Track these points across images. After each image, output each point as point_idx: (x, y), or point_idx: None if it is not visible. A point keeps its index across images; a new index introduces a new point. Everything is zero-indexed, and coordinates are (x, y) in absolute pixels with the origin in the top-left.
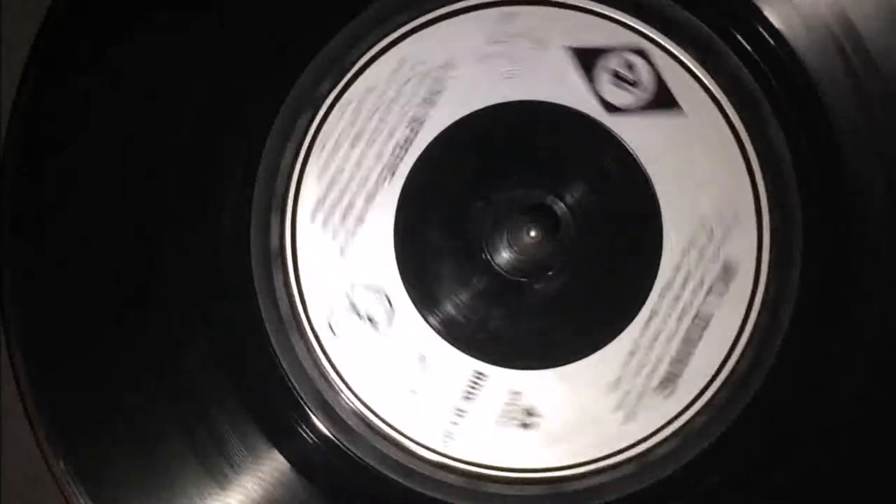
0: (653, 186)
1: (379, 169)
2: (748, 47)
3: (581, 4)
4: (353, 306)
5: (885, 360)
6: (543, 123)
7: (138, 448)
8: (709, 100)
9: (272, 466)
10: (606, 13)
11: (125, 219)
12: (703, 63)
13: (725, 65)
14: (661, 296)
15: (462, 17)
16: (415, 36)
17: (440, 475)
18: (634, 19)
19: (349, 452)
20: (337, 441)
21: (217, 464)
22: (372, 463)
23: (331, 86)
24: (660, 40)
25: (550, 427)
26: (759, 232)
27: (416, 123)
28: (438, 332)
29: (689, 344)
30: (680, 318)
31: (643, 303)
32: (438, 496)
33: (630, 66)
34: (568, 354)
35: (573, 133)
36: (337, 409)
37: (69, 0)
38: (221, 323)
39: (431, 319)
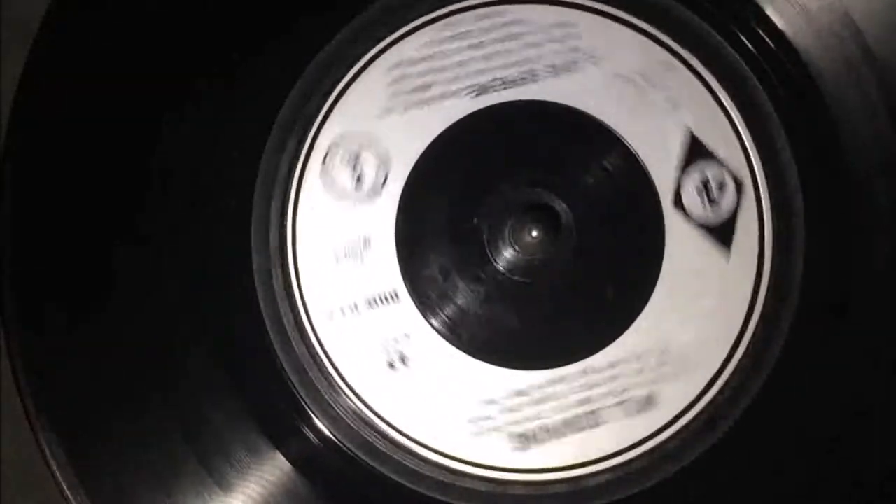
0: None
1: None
2: (750, 46)
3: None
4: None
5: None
6: (545, 123)
7: (139, 449)
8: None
9: (273, 467)
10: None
11: (125, 219)
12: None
13: (726, 63)
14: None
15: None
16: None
17: (443, 476)
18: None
19: (350, 453)
20: (338, 442)
21: (218, 465)
22: (373, 464)
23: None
24: (762, 183)
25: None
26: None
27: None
28: (440, 333)
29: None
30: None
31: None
32: (440, 496)
33: (721, 187)
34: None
35: (574, 133)
36: (338, 410)
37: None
38: (222, 323)
39: (433, 320)
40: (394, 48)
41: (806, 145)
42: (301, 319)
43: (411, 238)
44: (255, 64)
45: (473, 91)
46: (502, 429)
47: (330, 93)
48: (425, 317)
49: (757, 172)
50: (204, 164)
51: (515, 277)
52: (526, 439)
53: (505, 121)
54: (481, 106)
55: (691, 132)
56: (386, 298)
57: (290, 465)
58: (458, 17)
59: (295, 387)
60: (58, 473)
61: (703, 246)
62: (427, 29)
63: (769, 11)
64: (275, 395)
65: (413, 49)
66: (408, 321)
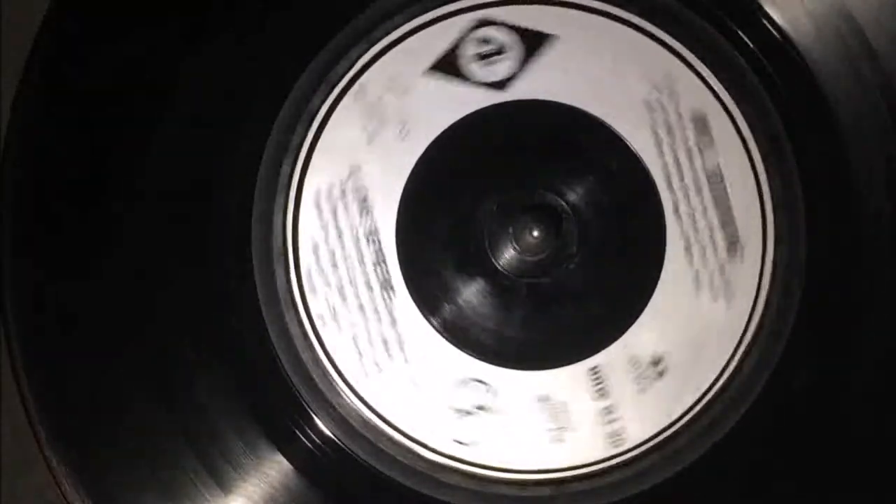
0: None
1: (378, 290)
2: (750, 44)
3: (409, 27)
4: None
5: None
6: (545, 123)
7: (140, 450)
8: (576, 12)
9: (274, 468)
10: (432, 17)
11: (124, 218)
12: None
13: (727, 62)
14: (669, 185)
15: (328, 127)
16: (308, 174)
17: (444, 476)
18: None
19: (352, 454)
20: (339, 442)
21: (219, 466)
22: (375, 464)
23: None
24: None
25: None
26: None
27: (373, 234)
28: (441, 333)
29: (722, 204)
30: (698, 190)
31: (661, 207)
32: (441, 497)
33: (486, 41)
34: (632, 309)
35: (575, 132)
36: (339, 411)
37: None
38: (222, 324)
39: (434, 320)
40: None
41: (807, 144)
42: (303, 320)
43: (413, 238)
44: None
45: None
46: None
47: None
48: (426, 317)
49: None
50: (204, 161)
51: (516, 277)
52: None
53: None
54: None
55: (426, 69)
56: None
57: (290, 465)
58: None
59: (296, 388)
60: (58, 473)
61: (544, 60)
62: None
63: (769, 8)
64: (276, 397)
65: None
66: (409, 321)
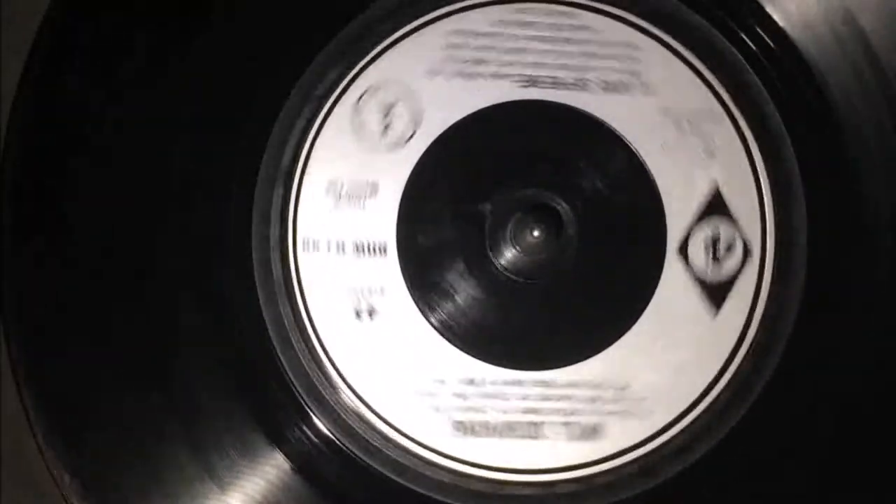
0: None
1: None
2: (751, 44)
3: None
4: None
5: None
6: (545, 123)
7: (138, 449)
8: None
9: (272, 467)
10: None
11: (124, 219)
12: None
13: (727, 63)
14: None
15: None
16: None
17: (442, 476)
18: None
19: (350, 452)
20: (337, 441)
21: (217, 464)
22: (372, 463)
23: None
24: (769, 256)
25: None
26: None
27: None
28: (441, 333)
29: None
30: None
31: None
32: (441, 497)
33: (730, 248)
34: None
35: (575, 132)
36: (337, 409)
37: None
38: (221, 322)
39: (434, 320)
40: (460, 14)
41: (808, 144)
42: (302, 318)
43: (413, 238)
44: None
45: (523, 81)
46: (443, 411)
47: (386, 37)
48: (426, 317)
49: (768, 243)
50: (205, 161)
51: (509, 273)
52: (464, 429)
53: (540, 119)
54: (525, 97)
55: (717, 187)
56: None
57: (289, 464)
58: (530, 5)
59: (295, 386)
60: (57, 473)
61: (694, 299)
62: (498, 7)
63: (769, 9)
64: (274, 395)
65: (479, 21)
66: (410, 321)
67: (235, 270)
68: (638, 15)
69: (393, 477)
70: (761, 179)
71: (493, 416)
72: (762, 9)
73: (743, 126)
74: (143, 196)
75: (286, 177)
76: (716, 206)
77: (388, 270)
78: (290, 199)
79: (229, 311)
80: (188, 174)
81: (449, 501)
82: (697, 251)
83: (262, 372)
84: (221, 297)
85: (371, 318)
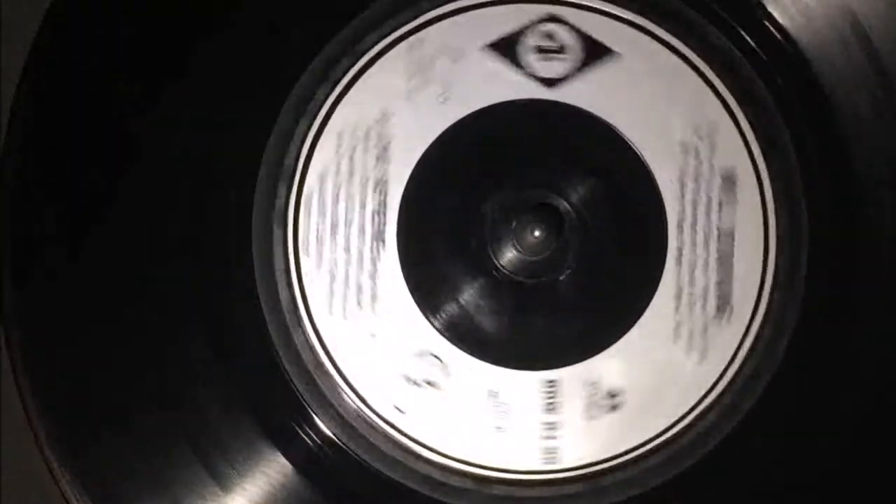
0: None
1: (368, 240)
2: (752, 43)
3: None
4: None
5: None
6: (545, 122)
7: (139, 450)
8: (643, 36)
9: (274, 468)
10: None
11: (125, 218)
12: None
13: (728, 60)
14: (680, 230)
15: (375, 67)
16: (340, 106)
17: (443, 476)
18: None
19: (352, 454)
20: (339, 442)
21: (218, 465)
22: (375, 464)
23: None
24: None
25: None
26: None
27: (382, 184)
28: (442, 334)
29: (725, 263)
30: (706, 244)
31: (666, 241)
32: (442, 498)
33: (550, 36)
34: (609, 336)
35: (575, 131)
36: (340, 410)
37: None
38: (223, 323)
39: (434, 320)
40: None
41: (808, 141)
42: (303, 319)
43: (414, 239)
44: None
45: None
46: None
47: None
48: (427, 317)
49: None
50: (205, 163)
51: (518, 277)
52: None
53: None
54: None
55: (484, 45)
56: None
57: (290, 465)
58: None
59: (297, 388)
60: (58, 473)
61: (598, 74)
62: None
63: (770, 7)
64: (276, 396)
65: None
66: (410, 322)
67: (237, 271)
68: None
69: (394, 478)
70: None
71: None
72: (763, 5)
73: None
74: (143, 194)
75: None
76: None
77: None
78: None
79: (230, 312)
80: (191, 172)
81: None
82: None
83: (263, 372)
84: (223, 298)
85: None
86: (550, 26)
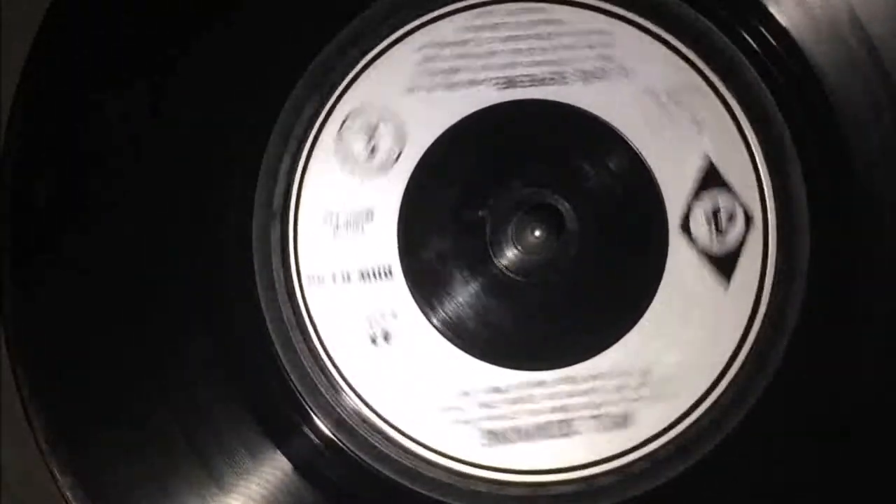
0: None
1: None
2: (754, 44)
3: None
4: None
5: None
6: (546, 122)
7: (139, 450)
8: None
9: (274, 468)
10: None
11: (125, 219)
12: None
13: (730, 61)
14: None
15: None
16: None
17: (445, 477)
18: None
19: (351, 453)
20: (339, 442)
21: (218, 465)
22: (374, 464)
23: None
24: (771, 219)
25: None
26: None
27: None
28: (442, 334)
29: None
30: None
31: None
32: (442, 498)
33: (731, 218)
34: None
35: (576, 131)
36: (339, 410)
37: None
38: (223, 323)
39: (435, 320)
40: (427, 28)
41: (810, 142)
42: (303, 319)
43: (414, 239)
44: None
45: (500, 83)
46: (473, 423)
47: (357, 61)
48: (427, 317)
49: (769, 208)
50: (206, 163)
51: (513, 275)
52: (495, 437)
53: (525, 118)
54: (505, 99)
55: (710, 159)
56: (380, 274)
57: (290, 465)
58: (493, 7)
59: (297, 387)
60: (58, 473)
61: (703, 273)
62: (462, 14)
63: (772, 9)
64: (276, 396)
65: (446, 32)
66: (411, 322)
67: (237, 271)
68: (665, 28)
69: (395, 478)
70: (752, 146)
71: (524, 420)
72: (765, 7)
73: (727, 96)
74: (144, 195)
75: (280, 217)
76: (711, 179)
77: (396, 292)
78: (288, 237)
79: (231, 314)
80: (192, 173)
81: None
82: (700, 225)
83: (263, 373)
84: (223, 297)
85: (388, 342)
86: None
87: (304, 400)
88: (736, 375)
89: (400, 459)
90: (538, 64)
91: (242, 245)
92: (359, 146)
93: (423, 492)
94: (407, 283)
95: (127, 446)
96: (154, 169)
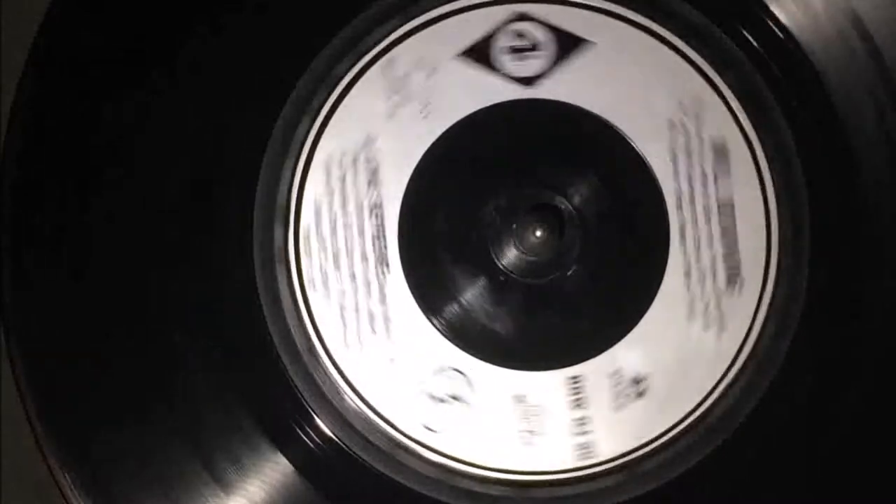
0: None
1: (372, 266)
2: (755, 43)
3: (447, 9)
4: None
5: None
6: (564, 126)
7: (139, 450)
8: (617, 22)
9: (275, 469)
10: (470, 3)
11: (125, 220)
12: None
13: (731, 60)
14: (679, 207)
15: (351, 94)
16: (323, 137)
17: (445, 477)
18: None
19: (353, 455)
20: (339, 442)
21: (219, 466)
22: (376, 466)
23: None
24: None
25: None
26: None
27: (377, 208)
28: (443, 334)
29: (729, 235)
30: (707, 219)
31: (667, 221)
32: (442, 498)
33: (521, 35)
34: (625, 323)
35: (592, 140)
36: (341, 411)
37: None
38: (224, 325)
39: (436, 321)
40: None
41: (811, 142)
42: (304, 320)
43: (415, 239)
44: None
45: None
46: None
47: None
48: (429, 318)
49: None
50: (206, 161)
51: (519, 278)
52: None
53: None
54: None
55: (456, 55)
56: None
57: (291, 466)
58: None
59: (298, 389)
60: (57, 473)
61: (574, 65)
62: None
63: (773, 7)
64: (277, 397)
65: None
66: (411, 322)
67: (238, 272)
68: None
69: (395, 478)
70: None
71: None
72: (766, 6)
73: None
74: (144, 195)
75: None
76: None
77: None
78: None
79: (231, 313)
80: (193, 173)
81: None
82: None
83: (264, 373)
84: (223, 298)
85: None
86: (519, 25)
87: (304, 400)
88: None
89: (401, 460)
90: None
91: (244, 245)
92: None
93: (424, 492)
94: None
95: (127, 447)
96: (153, 167)
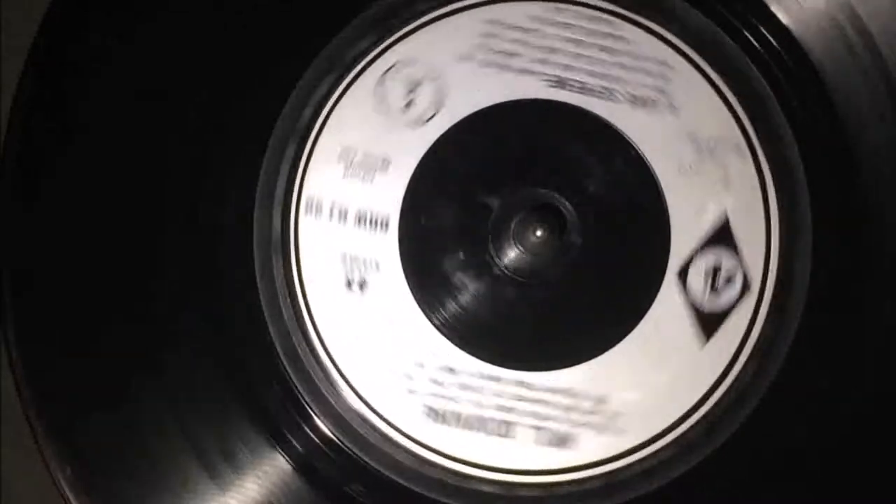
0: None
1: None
2: (755, 43)
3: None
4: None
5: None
6: (566, 126)
7: (138, 448)
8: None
9: (273, 467)
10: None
11: (124, 216)
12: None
13: (731, 61)
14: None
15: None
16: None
17: (444, 476)
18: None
19: (351, 453)
20: (339, 442)
21: (218, 465)
22: (374, 464)
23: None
24: (768, 291)
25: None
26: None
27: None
28: (443, 333)
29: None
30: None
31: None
32: (442, 498)
33: (729, 280)
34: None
35: (594, 139)
36: (339, 410)
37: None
38: (222, 322)
39: (436, 320)
40: (498, 5)
41: (812, 142)
42: (303, 318)
43: (415, 238)
44: None
45: (551, 81)
46: (418, 395)
47: (421, 15)
48: (428, 317)
49: (769, 279)
50: (205, 158)
51: (507, 271)
52: (435, 415)
53: (561, 120)
54: (551, 97)
55: (727, 217)
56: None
57: (290, 464)
58: (569, 6)
59: (296, 387)
60: (56, 473)
61: (686, 325)
62: (536, 3)
63: (774, 8)
64: (276, 395)
65: (515, 15)
66: (411, 322)
67: (236, 269)
68: (674, 33)
69: (394, 477)
70: (772, 217)
71: (466, 408)
72: (766, 6)
73: (762, 161)
74: (143, 193)
75: (301, 137)
76: (722, 236)
77: (387, 247)
78: (301, 158)
79: (230, 311)
80: (190, 169)
81: (446, 500)
82: (697, 278)
83: (263, 372)
84: (222, 295)
85: (362, 291)
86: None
87: (304, 400)
88: (686, 433)
89: (400, 460)
90: (593, 74)
91: (243, 241)
92: (397, 95)
93: (424, 492)
94: (412, 293)
95: (125, 445)
96: (153, 167)
